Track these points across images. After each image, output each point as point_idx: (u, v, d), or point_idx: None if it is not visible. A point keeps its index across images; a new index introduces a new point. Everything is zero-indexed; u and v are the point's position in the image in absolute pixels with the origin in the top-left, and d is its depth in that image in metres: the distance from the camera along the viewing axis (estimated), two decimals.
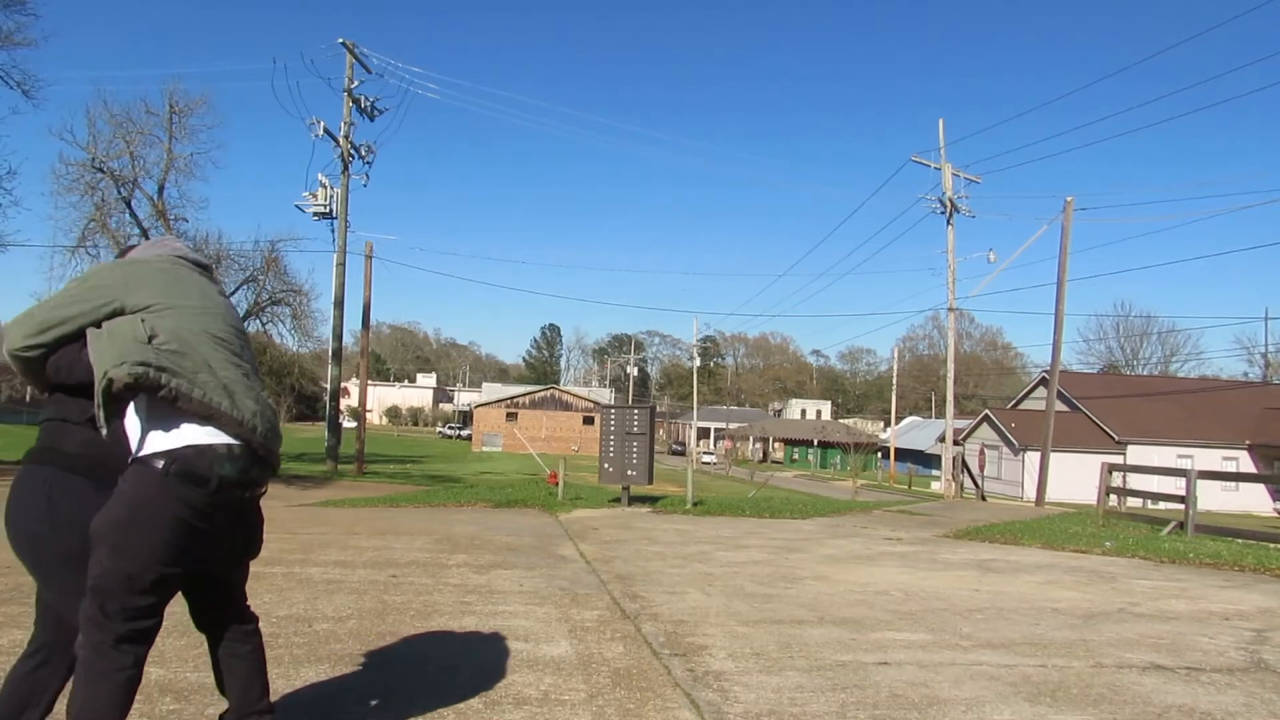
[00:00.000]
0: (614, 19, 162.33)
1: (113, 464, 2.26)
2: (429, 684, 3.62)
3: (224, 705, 2.56)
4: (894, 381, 64.12)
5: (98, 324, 2.26)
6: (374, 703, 3.37)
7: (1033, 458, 29.22)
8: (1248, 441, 36.53)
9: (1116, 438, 36.01)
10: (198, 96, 24.71)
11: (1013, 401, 46.00)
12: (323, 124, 21.82)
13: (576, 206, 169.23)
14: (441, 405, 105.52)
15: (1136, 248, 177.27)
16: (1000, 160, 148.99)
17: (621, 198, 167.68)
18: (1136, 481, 20.89)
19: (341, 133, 22.55)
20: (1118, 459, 30.82)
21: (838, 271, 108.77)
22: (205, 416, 2.21)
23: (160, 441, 2.21)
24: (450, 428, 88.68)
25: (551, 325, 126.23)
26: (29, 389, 24.78)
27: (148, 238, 23.17)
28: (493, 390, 79.83)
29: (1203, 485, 12.66)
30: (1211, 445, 36.01)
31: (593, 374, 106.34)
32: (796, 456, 72.49)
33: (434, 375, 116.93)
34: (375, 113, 23.45)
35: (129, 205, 23.04)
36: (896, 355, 71.38)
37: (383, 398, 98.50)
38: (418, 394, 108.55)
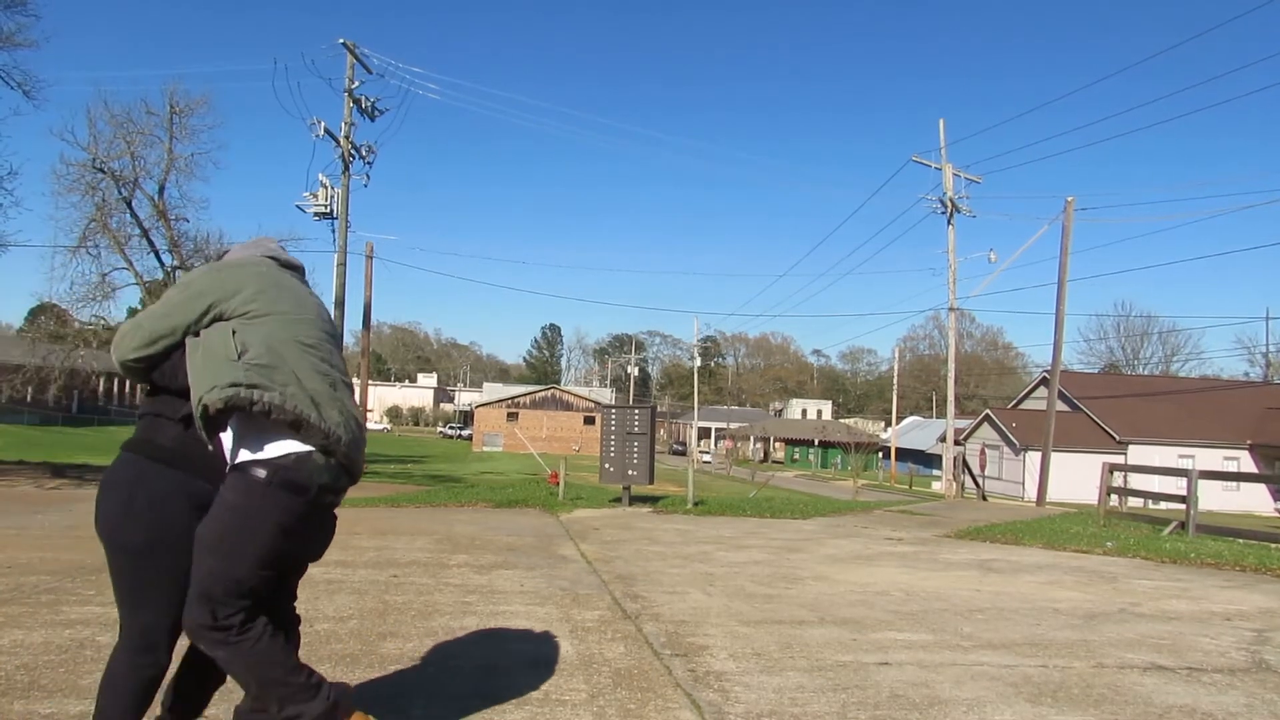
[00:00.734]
0: (614, 19, 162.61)
1: (204, 459, 2.37)
2: (430, 684, 3.63)
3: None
4: (895, 381, 64.18)
5: (198, 331, 2.37)
6: (375, 703, 3.37)
7: (1033, 458, 29.21)
8: (1249, 441, 36.55)
9: (1117, 438, 36.02)
10: (198, 97, 24.53)
11: (1013, 401, 46.02)
12: (323, 124, 21.79)
13: (576, 206, 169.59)
14: (442, 405, 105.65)
15: (1137, 248, 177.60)
16: (1001, 160, 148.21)
17: (621, 198, 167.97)
18: (1137, 481, 20.89)
19: (342, 133, 22.53)
20: (1119, 459, 30.82)
21: (838, 271, 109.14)
22: (295, 427, 2.30)
23: (258, 450, 2.32)
24: (451, 428, 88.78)
25: (552, 325, 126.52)
26: (29, 389, 24.79)
27: (148, 238, 23.19)
28: (493, 390, 79.89)
29: (1204, 485, 12.66)
30: (1212, 445, 36.03)
31: (593, 374, 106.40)
32: (797, 456, 72.52)
33: (435, 375, 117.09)
34: (376, 113, 23.41)
35: (130, 205, 22.98)
36: (897, 355, 71.50)
37: (384, 398, 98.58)
38: (418, 394, 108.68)
